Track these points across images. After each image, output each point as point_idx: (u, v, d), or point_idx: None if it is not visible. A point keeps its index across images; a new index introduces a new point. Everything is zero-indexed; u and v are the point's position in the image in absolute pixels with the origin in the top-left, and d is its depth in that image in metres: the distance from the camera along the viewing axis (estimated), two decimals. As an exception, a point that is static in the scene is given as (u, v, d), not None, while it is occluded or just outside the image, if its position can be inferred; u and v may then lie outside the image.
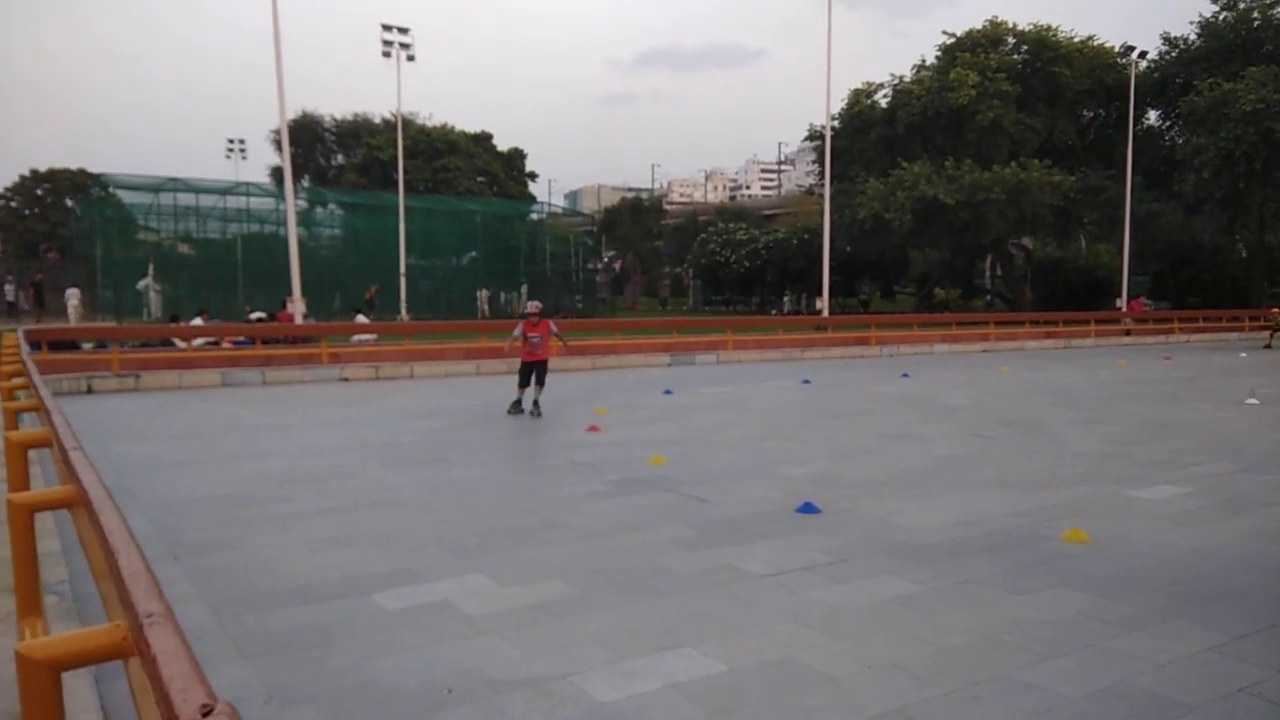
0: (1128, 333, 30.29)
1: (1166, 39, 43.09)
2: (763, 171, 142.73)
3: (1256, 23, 39.66)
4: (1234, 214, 38.07)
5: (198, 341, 18.72)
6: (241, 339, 19.45)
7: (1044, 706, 3.55)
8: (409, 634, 4.29)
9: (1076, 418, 11.88)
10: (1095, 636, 4.29)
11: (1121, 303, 34.90)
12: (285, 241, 22.47)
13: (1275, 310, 30.55)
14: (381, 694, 3.67)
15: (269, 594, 4.86)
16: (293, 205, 22.87)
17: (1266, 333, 29.71)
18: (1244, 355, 24.80)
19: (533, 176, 59.90)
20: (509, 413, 11.88)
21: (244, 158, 54.02)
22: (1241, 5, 39.85)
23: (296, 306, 21.16)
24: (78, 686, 3.31)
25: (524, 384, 11.97)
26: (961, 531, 6.15)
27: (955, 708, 3.55)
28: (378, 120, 58.19)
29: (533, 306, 12.25)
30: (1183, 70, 40.93)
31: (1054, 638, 4.27)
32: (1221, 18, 40.38)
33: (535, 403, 11.89)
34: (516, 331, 11.99)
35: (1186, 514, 6.69)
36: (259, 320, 22.41)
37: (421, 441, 9.90)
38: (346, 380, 16.87)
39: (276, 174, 50.42)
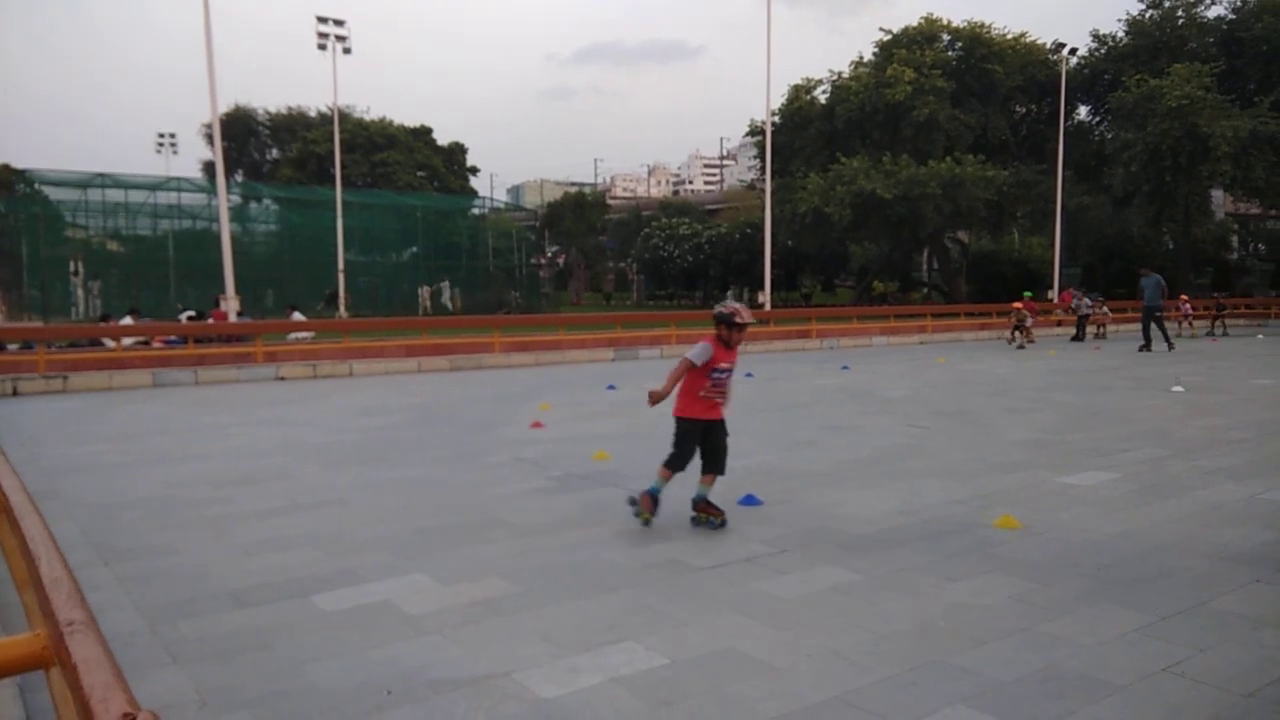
0: (1058, 323, 31.05)
1: (1096, 36, 44.37)
2: (705, 166, 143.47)
3: (1181, 21, 41.00)
4: (1161, 207, 39.31)
5: (128, 341, 18.23)
6: (173, 338, 18.99)
7: (978, 690, 3.64)
8: (349, 635, 4.24)
9: (1010, 407, 12.16)
10: (1027, 620, 4.40)
11: (1053, 294, 35.79)
12: (218, 238, 21.97)
13: (1018, 305, 26.49)
14: (320, 696, 3.61)
15: (204, 598, 4.75)
16: (225, 200, 22.37)
17: (1010, 331, 25.71)
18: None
19: (474, 171, 59.50)
20: (637, 515, 6.17)
21: (175, 152, 52.94)
22: (1166, 4, 41.17)
23: (230, 304, 20.71)
24: (2, 698, 3.21)
25: (680, 464, 6.18)
26: (899, 520, 6.26)
27: (893, 693, 3.61)
28: (314, 114, 57.26)
29: (744, 313, 6.27)
30: (1111, 67, 42.15)
31: (987, 623, 4.37)
32: (1148, 16, 41.66)
33: (706, 504, 6.16)
34: (696, 354, 6.25)
35: (1115, 499, 6.89)
36: (191, 319, 21.90)
37: (362, 440, 9.77)
38: (283, 379, 16.57)
39: (209, 169, 49.32)
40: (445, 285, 40.36)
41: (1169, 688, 3.66)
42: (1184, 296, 31.36)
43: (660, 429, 10.32)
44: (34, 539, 2.26)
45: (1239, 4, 41.18)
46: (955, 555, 5.45)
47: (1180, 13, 40.97)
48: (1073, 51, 40.02)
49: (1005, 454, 8.76)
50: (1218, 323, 30.97)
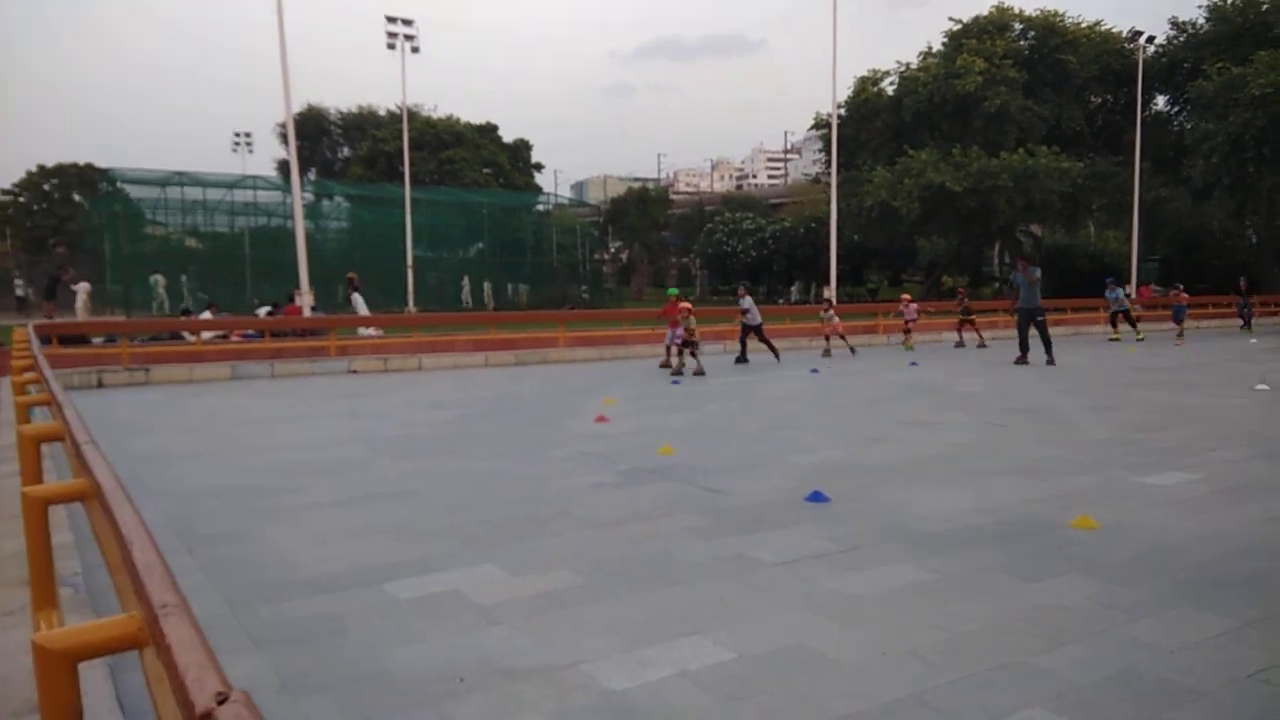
0: (1138, 319, 30.10)
1: (1174, 23, 42.85)
2: (769, 160, 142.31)
3: (1265, 6, 39.35)
4: (1243, 199, 37.87)
5: (207, 335, 18.79)
6: (250, 332, 19.51)
7: (1055, 692, 3.55)
8: (421, 623, 4.31)
9: (1088, 404, 11.84)
10: (1106, 623, 4.28)
11: (1131, 289, 34.75)
12: (292, 234, 22.51)
13: (963, 291, 24.98)
14: (394, 683, 3.68)
15: (282, 585, 4.88)
16: (299, 198, 22.90)
17: (960, 325, 23.51)
18: (1254, 341, 24.69)
19: (538, 168, 59.89)
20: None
21: (250, 151, 54.30)
22: (1250, -12, 39.56)
23: (304, 299, 21.20)
24: (94, 678, 3.33)
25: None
26: (974, 519, 6.14)
27: (968, 693, 3.55)
28: (383, 112, 58.21)
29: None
30: (1191, 54, 40.67)
31: (1066, 624, 4.27)
32: (1230, 1, 40.09)
33: None
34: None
35: (1197, 500, 6.66)
36: (269, 314, 22.48)
37: (431, 433, 9.92)
38: (355, 372, 16.91)
39: (283, 167, 50.48)
40: (467, 281, 40.30)
41: (1255, 695, 3.54)
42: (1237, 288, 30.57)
43: (725, 426, 10.31)
44: (126, 524, 2.34)
45: (1331, -15, 39.45)
46: (1032, 555, 5.33)
47: (1265, -3, 39.39)
48: (1150, 39, 38.76)
49: (1084, 452, 8.53)
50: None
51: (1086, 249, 48.59)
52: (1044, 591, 4.72)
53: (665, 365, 16.73)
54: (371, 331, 21.22)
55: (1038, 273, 17.63)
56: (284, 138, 40.56)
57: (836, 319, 20.90)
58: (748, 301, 18.08)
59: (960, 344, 22.78)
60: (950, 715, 3.37)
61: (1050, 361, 16.92)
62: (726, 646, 4.01)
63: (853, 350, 20.69)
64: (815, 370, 16.95)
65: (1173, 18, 42.99)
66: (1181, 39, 42.31)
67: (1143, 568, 5.09)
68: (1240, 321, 29.93)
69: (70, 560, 4.96)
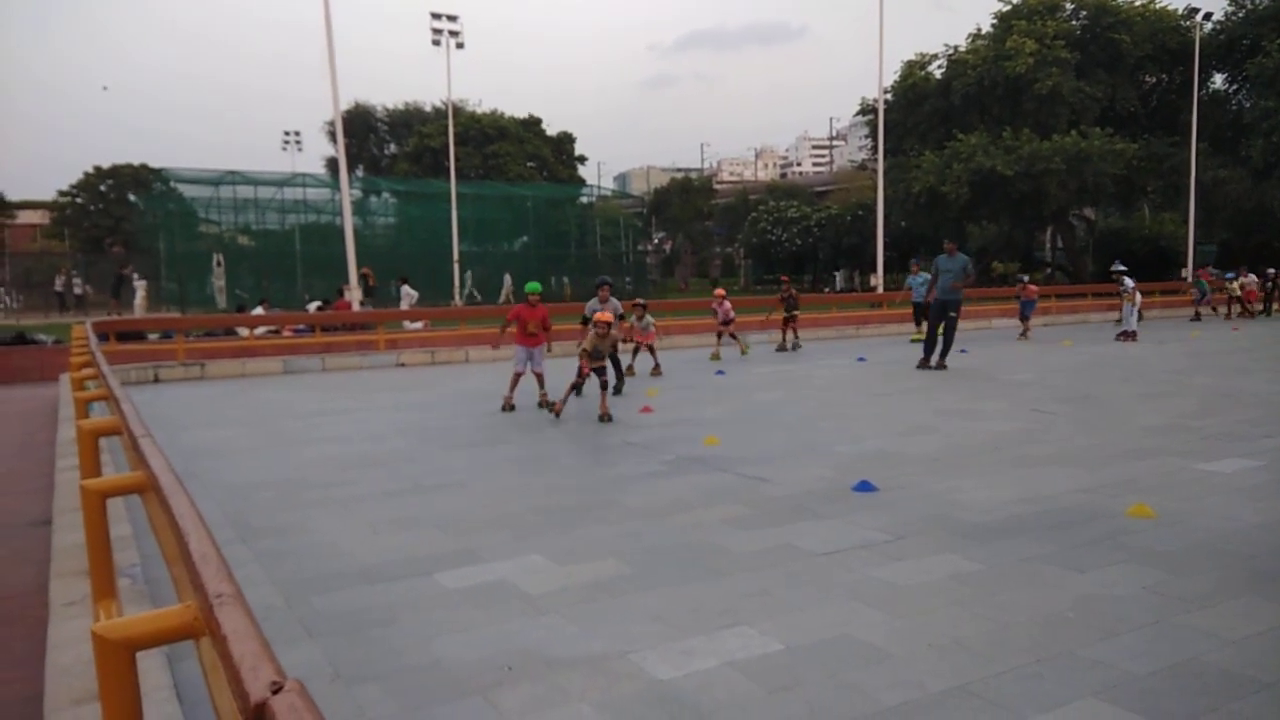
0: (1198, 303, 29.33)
1: (1233, -1, 41.56)
2: (814, 148, 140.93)
3: (1330, -24, 38.06)
4: (1306, 179, 36.71)
5: (259, 330, 19.15)
6: (301, 327, 19.83)
7: (1110, 683, 3.49)
8: (470, 613, 4.36)
9: (1141, 391, 11.59)
10: (1163, 613, 4.20)
11: (1188, 273, 33.89)
12: (341, 231, 22.81)
13: (786, 280, 20.33)
14: (444, 672, 3.73)
15: (334, 575, 4.96)
16: (348, 195, 23.20)
17: (785, 324, 18.88)
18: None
19: (582, 160, 59.92)
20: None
21: (299, 149, 55.31)
22: (1314, -41, 38.26)
23: (353, 294, 21.49)
24: (151, 667, 3.42)
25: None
26: (1022, 509, 6.05)
27: (1018, 684, 3.50)
28: (428, 109, 58.70)
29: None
30: (1250, 31, 39.43)
31: (1120, 614, 4.19)
32: (1292, -26, 38.82)
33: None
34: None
35: (1258, 487, 6.49)
36: (319, 309, 22.83)
37: (479, 424, 10.02)
38: (403, 365, 17.11)
39: (331, 165, 51.17)
40: (469, 275, 39.33)
41: (1322, 687, 3.44)
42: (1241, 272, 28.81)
43: (769, 416, 10.27)
44: (183, 516, 2.40)
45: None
46: (1083, 545, 5.24)
47: (1331, -33, 38.07)
48: (1207, 16, 37.68)
49: (1137, 440, 8.35)
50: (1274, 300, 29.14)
51: (1141, 232, 47.41)
52: (1096, 581, 4.63)
53: (715, 357, 16.90)
54: (418, 325, 21.45)
55: (966, 260, 14.58)
56: (332, 136, 41.17)
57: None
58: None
59: (783, 346, 18.67)
60: (1000, 706, 3.33)
61: (941, 365, 14.32)
62: (773, 637, 4.00)
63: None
64: (862, 358, 16.79)
65: (1231, -8, 41.76)
66: (1240, 15, 41.03)
67: (1202, 557, 4.98)
68: (1259, 307, 28.63)
69: (129, 552, 5.10)
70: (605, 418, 9.92)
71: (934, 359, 14.44)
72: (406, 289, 24.97)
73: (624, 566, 4.99)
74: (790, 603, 4.43)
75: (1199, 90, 37.08)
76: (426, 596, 4.60)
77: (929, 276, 16.89)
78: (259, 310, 21.68)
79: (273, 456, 8.43)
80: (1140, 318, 24.47)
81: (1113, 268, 21.77)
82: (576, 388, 10.82)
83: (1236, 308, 27.45)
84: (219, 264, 33.06)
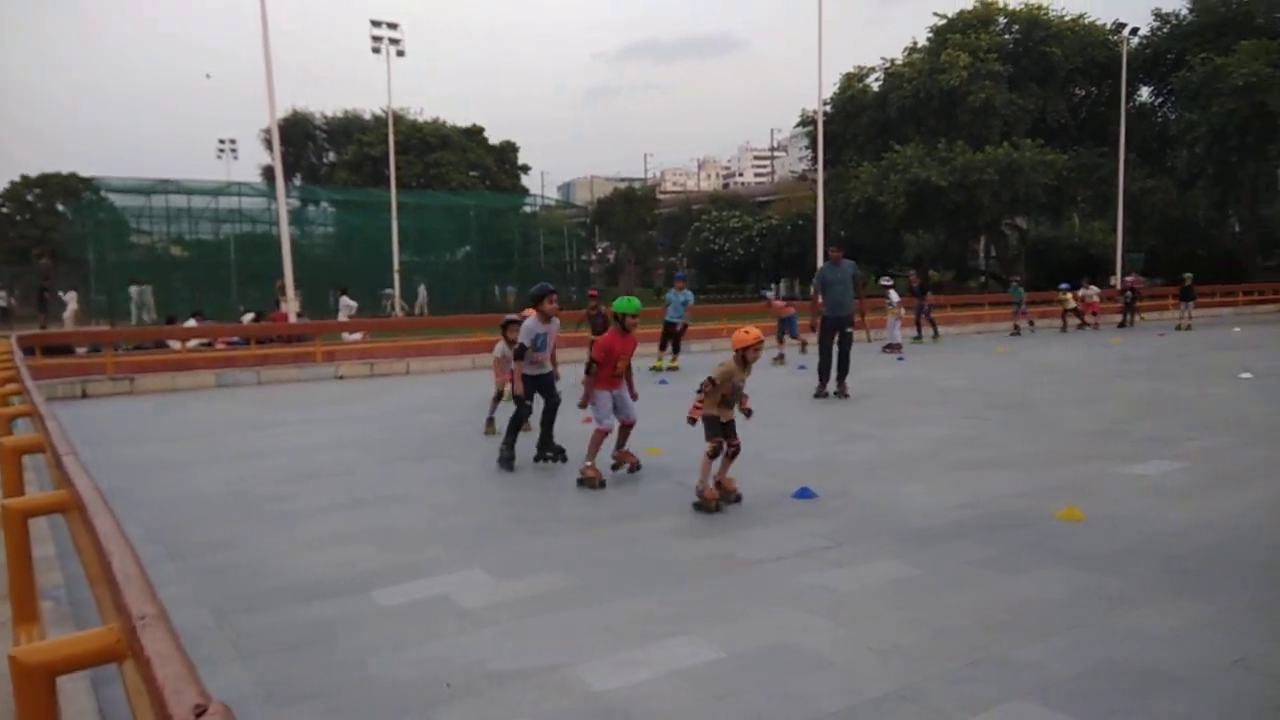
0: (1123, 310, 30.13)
1: (1158, 14, 43.01)
2: (755, 158, 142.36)
3: (1248, -5, 39.60)
4: (1227, 189, 38.10)
5: (192, 343, 18.71)
6: (236, 339, 19.43)
7: (1039, 684, 3.57)
8: (409, 629, 4.30)
9: (1072, 397, 11.90)
10: (1090, 614, 4.31)
11: (1116, 280, 34.91)
12: (278, 241, 22.41)
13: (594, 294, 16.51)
14: (382, 689, 3.68)
15: (268, 593, 4.86)
16: (284, 204, 22.82)
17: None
18: (1237, 330, 24.84)
19: (525, 169, 59.76)
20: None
21: (235, 158, 54.06)
22: (1234, -22, 39.77)
23: (290, 305, 21.13)
24: (75, 690, 3.32)
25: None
26: (959, 514, 6.16)
27: (953, 687, 3.57)
28: (368, 116, 57.97)
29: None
30: (1175, 45, 40.84)
31: (1050, 616, 4.29)
32: (1213, -9, 40.31)
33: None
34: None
35: (1182, 489, 6.71)
36: (253, 321, 22.39)
37: (419, 437, 9.90)
38: (342, 378, 16.86)
39: (268, 173, 50.31)
40: (421, 289, 37.81)
41: (1238, 680, 3.57)
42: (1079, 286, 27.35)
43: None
44: (106, 536, 2.34)
45: (1310, -25, 39.70)
46: (1017, 548, 5.36)
47: (1247, -13, 39.60)
48: (1134, 31, 38.88)
49: (1068, 445, 8.57)
50: (1128, 314, 27.64)
51: (1071, 241, 48.74)
52: (1028, 584, 4.74)
53: (656, 368, 16.72)
54: (357, 337, 21.16)
55: (854, 267, 12.52)
56: (269, 144, 40.46)
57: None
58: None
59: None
60: (935, 710, 3.39)
61: (841, 392, 12.23)
62: (715, 645, 4.02)
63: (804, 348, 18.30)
64: (803, 367, 16.96)
65: (1156, 9, 43.18)
66: (1165, 30, 42.48)
67: (1128, 558, 5.12)
68: (1119, 319, 27.46)
69: (53, 573, 4.94)
70: (732, 498, 6.53)
71: (830, 386, 12.32)
72: (345, 300, 24.63)
73: (566, 579, 4.98)
74: (732, 611, 4.45)
75: (1126, 103, 38.25)
76: (364, 613, 4.53)
77: (690, 297, 16.95)
78: (191, 323, 21.18)
79: (205, 472, 8.24)
80: (1032, 325, 25.42)
81: (880, 280, 21.69)
82: (715, 454, 6.44)
83: (1074, 320, 25.98)
84: (137, 291, 31.59)
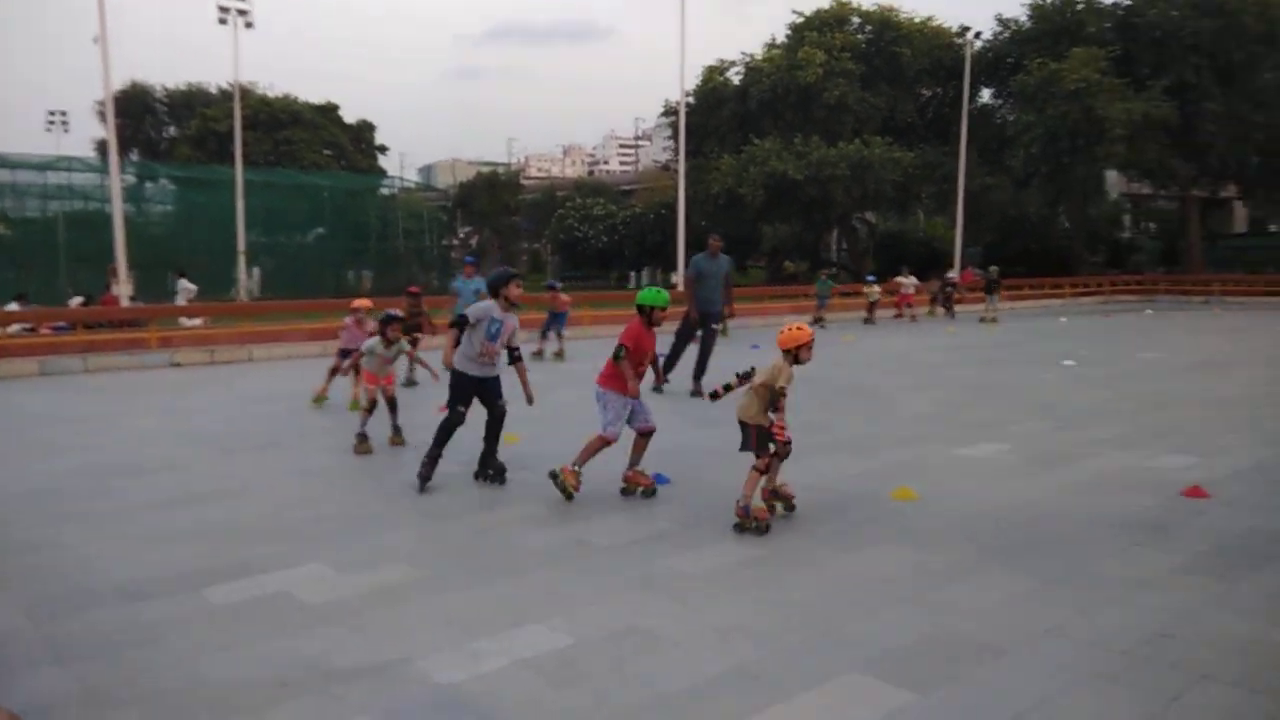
0: (959, 300, 31.64)
1: (1000, 20, 45.45)
2: (620, 147, 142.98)
3: (1080, 6, 42.28)
4: (1059, 188, 40.66)
5: (14, 328, 17.36)
6: (62, 324, 18.14)
7: (872, 656, 3.74)
8: (242, 628, 4.12)
9: (910, 383, 12.49)
10: (920, 587, 4.54)
11: (955, 273, 36.79)
12: (111, 219, 21.01)
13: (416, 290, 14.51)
14: (211, 691, 3.51)
15: (90, 593, 4.57)
16: (118, 180, 21.43)
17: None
18: (1064, 320, 26.61)
19: (383, 150, 58.09)
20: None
21: (66, 131, 50.35)
22: (1067, -12, 42.36)
23: (122, 288, 19.86)
24: None
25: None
26: (803, 495, 6.35)
27: (791, 662, 3.69)
28: (214, 90, 55.05)
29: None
30: (1014, 50, 43.24)
31: (884, 591, 4.50)
32: (1049, 1, 42.86)
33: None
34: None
35: (1006, 469, 7.15)
36: (82, 305, 20.97)
37: (259, 428, 9.48)
38: (178, 365, 15.99)
39: (102, 148, 47.07)
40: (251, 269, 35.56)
41: (1052, 648, 3.83)
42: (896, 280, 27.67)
43: (570, 413, 10.31)
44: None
45: (1134, -11, 42.75)
46: (855, 527, 5.59)
47: (1080, -2, 42.32)
48: (977, 35, 40.97)
49: (905, 428, 8.99)
50: (936, 305, 28.63)
51: (917, 235, 51.12)
52: (864, 561, 4.96)
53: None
54: (196, 322, 20.10)
55: (730, 263, 12.10)
56: (103, 116, 37.86)
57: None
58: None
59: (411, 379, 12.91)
60: (772, 685, 3.49)
61: (696, 391, 11.25)
62: (563, 632, 4.03)
63: None
64: (661, 355, 17.17)
65: (998, 14, 45.68)
66: (1006, 35, 44.91)
67: (955, 535, 5.42)
68: (941, 310, 28.08)
69: None
70: (788, 505, 5.99)
71: (676, 381, 11.15)
72: (184, 283, 23.35)
73: (414, 571, 4.88)
74: (581, 597, 4.47)
75: (969, 104, 40.26)
76: (193, 613, 4.31)
77: (483, 285, 11.43)
78: (13, 306, 19.63)
79: (26, 466, 7.66)
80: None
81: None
82: (776, 457, 5.92)
83: (896, 312, 26.65)
84: None
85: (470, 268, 14.87)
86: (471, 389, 6.69)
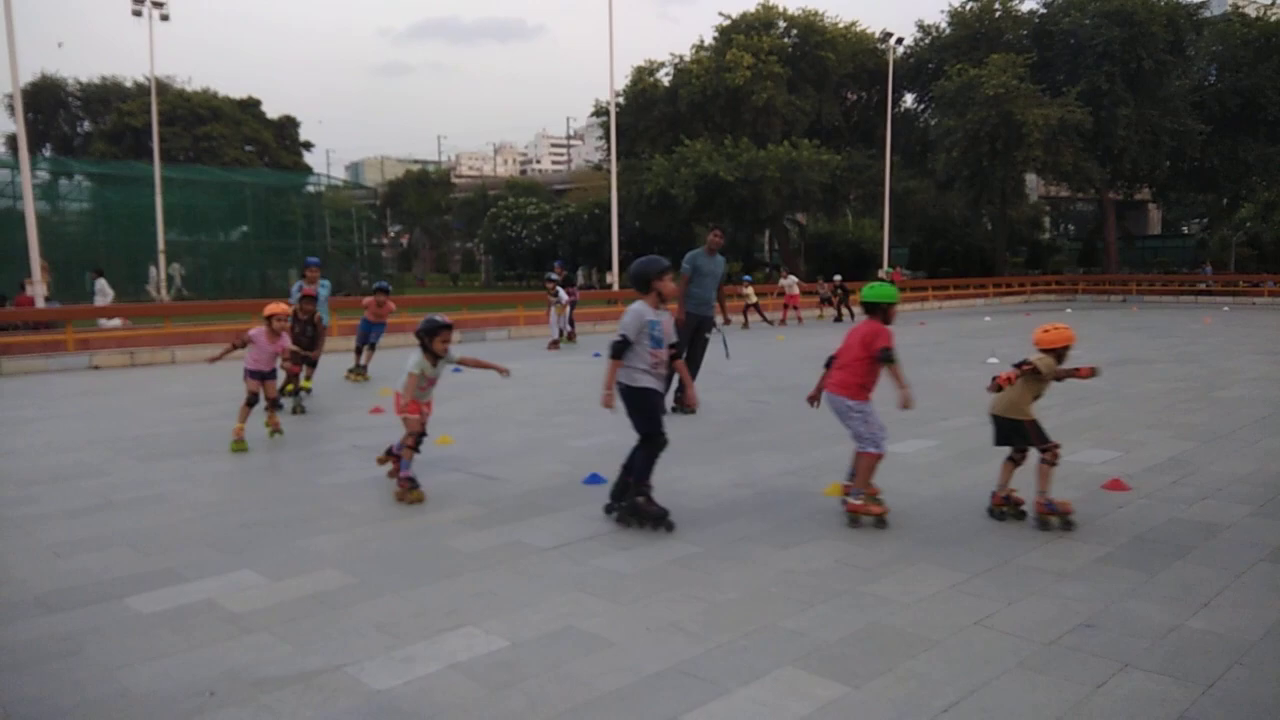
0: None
1: (921, 26, 46.56)
2: (553, 146, 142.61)
3: (998, 13, 43.52)
4: (980, 190, 41.79)
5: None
6: (-29, 326, 17.42)
7: (806, 651, 3.80)
8: (167, 638, 4.01)
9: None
10: (851, 582, 4.63)
11: (883, 273, 37.53)
12: (22, 217, 20.21)
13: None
14: (135, 702, 3.41)
15: (6, 605, 4.40)
16: (29, 177, 20.60)
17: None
18: (988, 319, 27.35)
19: (308, 147, 57.11)
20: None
21: (-29, 124, 48.25)
22: (985, -4, 43.56)
23: (37, 289, 19.15)
24: None
25: None
26: (737, 493, 6.45)
27: (726, 659, 3.73)
28: (130, 85, 53.39)
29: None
30: (935, 56, 44.34)
31: (815, 586, 4.57)
32: (968, 8, 44.03)
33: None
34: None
35: (933, 465, 7.32)
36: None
37: (183, 432, 9.23)
38: (97, 368, 15.47)
39: (11, 142, 45.27)
40: (175, 267, 34.01)
41: (980, 639, 3.93)
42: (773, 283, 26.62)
43: (505, 413, 10.26)
44: None
45: (1049, -1, 44.16)
46: (787, 523, 5.67)
47: (997, 6, 43.50)
48: (899, 41, 41.88)
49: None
50: (827, 307, 27.97)
51: (845, 236, 52.02)
52: (797, 557, 5.03)
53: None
54: (115, 323, 19.45)
55: (724, 263, 10.69)
56: (11, 109, 36.34)
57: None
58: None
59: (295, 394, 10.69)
60: (708, 681, 3.53)
61: (683, 407, 9.64)
62: (497, 635, 4.01)
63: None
64: (597, 354, 17.18)
65: (919, 21, 46.74)
66: (927, 41, 46.02)
67: (885, 529, 5.53)
68: (835, 314, 27.22)
69: None
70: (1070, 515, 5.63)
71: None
72: (102, 283, 22.60)
73: (345, 576, 4.80)
74: (516, 599, 4.45)
75: (893, 108, 41.17)
76: (116, 623, 4.18)
77: (328, 288, 12.61)
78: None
79: (-70, 475, 7.33)
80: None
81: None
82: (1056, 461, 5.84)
83: (780, 316, 26.04)
84: None
85: (313, 270, 12.08)
86: (659, 401, 5.82)
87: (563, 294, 19.37)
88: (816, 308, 28.49)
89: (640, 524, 5.59)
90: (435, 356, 6.49)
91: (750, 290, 25.35)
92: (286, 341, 8.62)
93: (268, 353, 8.50)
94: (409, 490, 6.32)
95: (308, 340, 10.59)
